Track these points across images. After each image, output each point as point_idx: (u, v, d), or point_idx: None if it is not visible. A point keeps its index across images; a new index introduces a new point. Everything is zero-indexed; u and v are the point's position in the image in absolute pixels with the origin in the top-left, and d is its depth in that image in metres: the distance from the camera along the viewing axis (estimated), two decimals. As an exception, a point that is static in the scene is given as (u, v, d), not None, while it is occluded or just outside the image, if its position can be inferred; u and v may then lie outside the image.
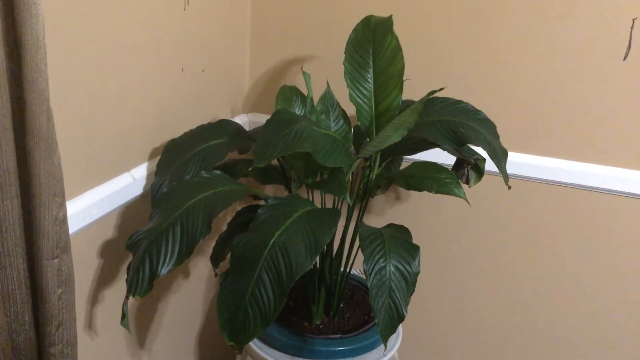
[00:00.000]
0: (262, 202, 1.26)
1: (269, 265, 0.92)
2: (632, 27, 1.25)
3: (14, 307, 0.84)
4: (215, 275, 1.34)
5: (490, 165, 1.24)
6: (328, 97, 1.27)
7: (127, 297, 0.95)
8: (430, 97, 1.10)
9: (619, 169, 1.34)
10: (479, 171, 1.26)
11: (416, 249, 1.03)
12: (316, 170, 1.20)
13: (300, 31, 1.52)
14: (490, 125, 1.16)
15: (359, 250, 1.05)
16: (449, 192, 1.08)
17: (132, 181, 1.17)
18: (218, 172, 1.11)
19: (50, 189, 0.82)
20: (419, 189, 1.10)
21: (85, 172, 1.06)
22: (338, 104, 1.27)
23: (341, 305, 1.36)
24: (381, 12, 1.24)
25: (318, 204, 1.11)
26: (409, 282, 0.99)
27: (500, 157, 1.08)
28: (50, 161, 0.82)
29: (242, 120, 1.60)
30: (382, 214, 1.58)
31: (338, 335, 1.26)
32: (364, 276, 1.49)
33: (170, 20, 1.21)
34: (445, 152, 1.28)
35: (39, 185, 0.81)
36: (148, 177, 1.21)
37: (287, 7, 1.51)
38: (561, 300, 1.49)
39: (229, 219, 1.30)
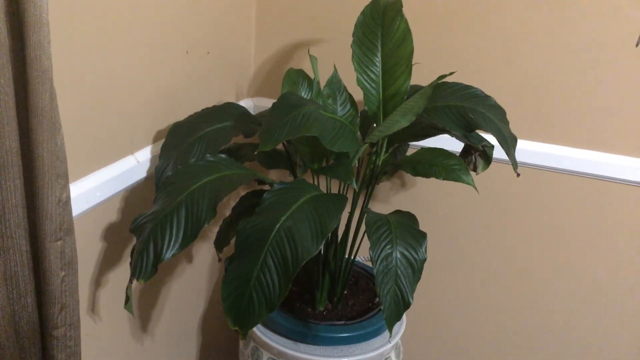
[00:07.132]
0: (266, 187, 1.25)
1: (274, 250, 0.91)
2: (646, 13, 1.23)
3: (17, 290, 0.84)
4: (219, 260, 1.34)
5: (497, 153, 1.23)
6: (335, 81, 1.25)
7: (130, 281, 0.95)
8: (440, 81, 1.08)
9: (630, 157, 1.32)
10: (487, 158, 1.25)
11: (423, 236, 1.02)
12: (322, 155, 1.19)
13: (307, 13, 1.49)
14: (500, 112, 1.14)
15: (364, 237, 1.03)
16: (457, 179, 1.07)
17: (136, 164, 1.16)
18: (223, 155, 1.09)
19: (54, 170, 0.81)
20: (427, 175, 1.09)
21: (88, 155, 1.04)
22: (345, 88, 1.25)
23: (345, 292, 1.35)
24: (390, -5, 1.22)
25: (323, 189, 1.09)
26: (416, 269, 0.99)
27: (509, 143, 1.07)
28: (54, 142, 0.80)
29: (247, 104, 1.58)
30: (387, 201, 1.57)
31: (342, 322, 1.25)
32: (367, 263, 1.49)
33: (175, 1, 1.19)
34: (451, 139, 1.27)
35: (42, 166, 0.79)
36: (152, 160, 1.20)
37: (294, -11, 1.49)
38: (568, 290, 1.48)
39: (232, 204, 1.29)
